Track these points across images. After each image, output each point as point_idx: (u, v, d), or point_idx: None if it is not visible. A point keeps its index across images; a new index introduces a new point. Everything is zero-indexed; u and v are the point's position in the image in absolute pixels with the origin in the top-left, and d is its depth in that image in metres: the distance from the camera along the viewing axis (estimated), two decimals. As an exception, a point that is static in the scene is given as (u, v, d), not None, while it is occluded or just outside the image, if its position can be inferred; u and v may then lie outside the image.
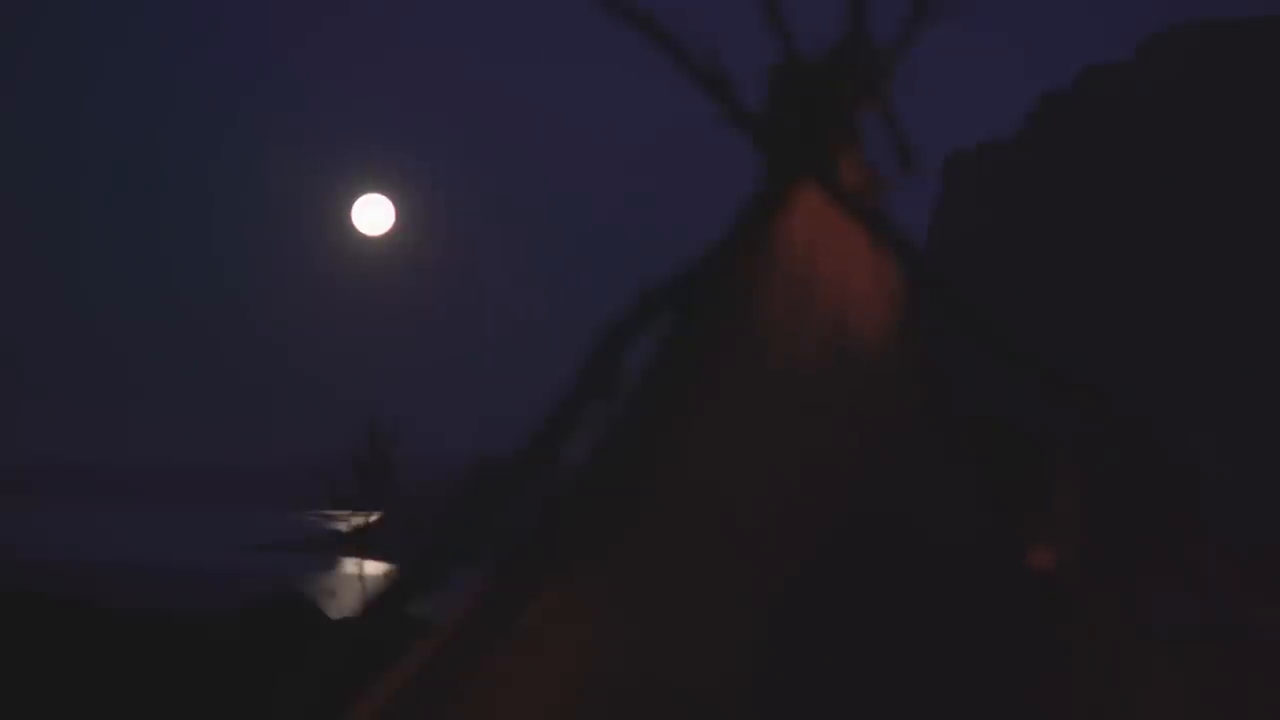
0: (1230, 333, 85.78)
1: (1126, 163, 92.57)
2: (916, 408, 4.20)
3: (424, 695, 3.96)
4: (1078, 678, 3.95)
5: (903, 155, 4.42)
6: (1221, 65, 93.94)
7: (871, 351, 4.25)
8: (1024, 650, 3.94)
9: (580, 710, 3.89)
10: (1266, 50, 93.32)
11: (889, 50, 4.38)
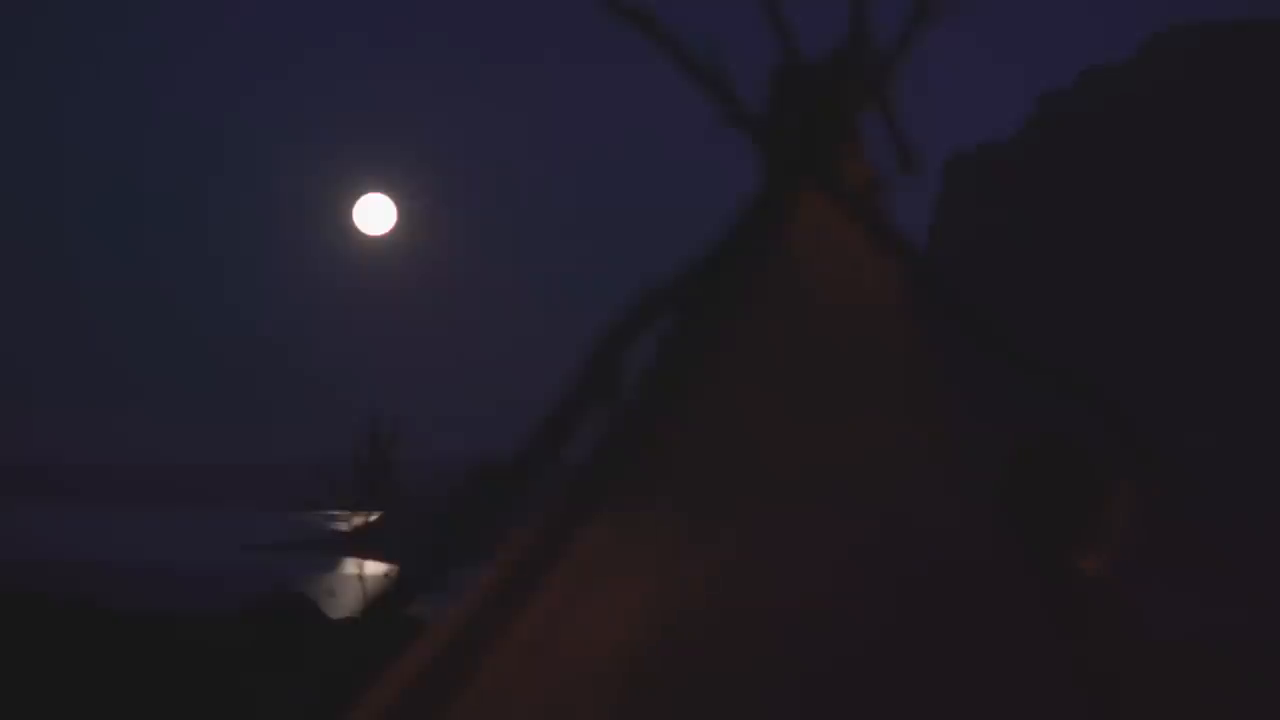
0: (1230, 333, 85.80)
1: (1126, 163, 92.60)
2: (917, 408, 4.20)
3: (424, 695, 3.96)
4: (1079, 681, 3.95)
5: (903, 155, 4.42)
6: (1221, 66, 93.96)
7: (872, 351, 4.25)
8: (1029, 656, 3.95)
9: (581, 711, 3.90)
10: (1266, 50, 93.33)
11: (890, 50, 4.38)
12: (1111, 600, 4.03)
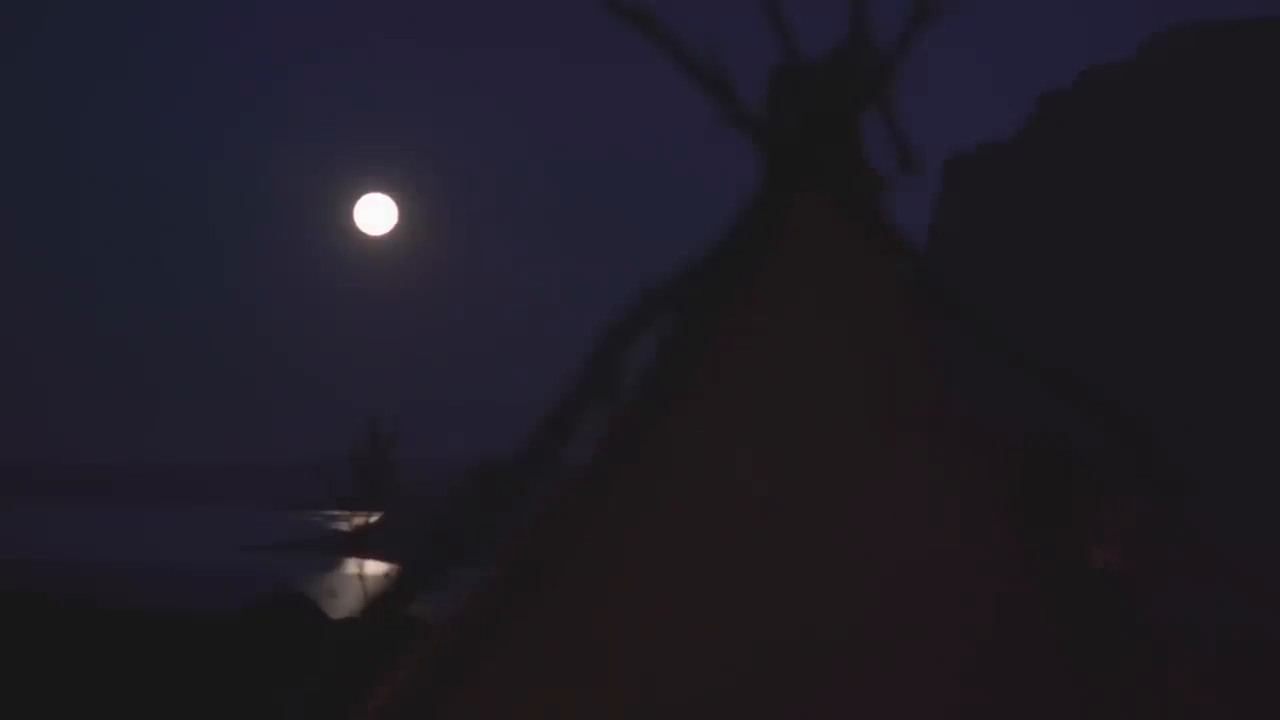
0: (1230, 333, 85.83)
1: (1126, 163, 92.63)
2: (918, 407, 4.20)
3: (424, 695, 3.96)
4: (1085, 682, 3.95)
5: (903, 155, 4.42)
6: (1221, 65, 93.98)
7: (872, 351, 4.25)
8: (1029, 659, 3.95)
9: (580, 711, 3.90)
10: (1266, 50, 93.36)
11: (890, 50, 4.38)
12: (1115, 601, 4.03)
